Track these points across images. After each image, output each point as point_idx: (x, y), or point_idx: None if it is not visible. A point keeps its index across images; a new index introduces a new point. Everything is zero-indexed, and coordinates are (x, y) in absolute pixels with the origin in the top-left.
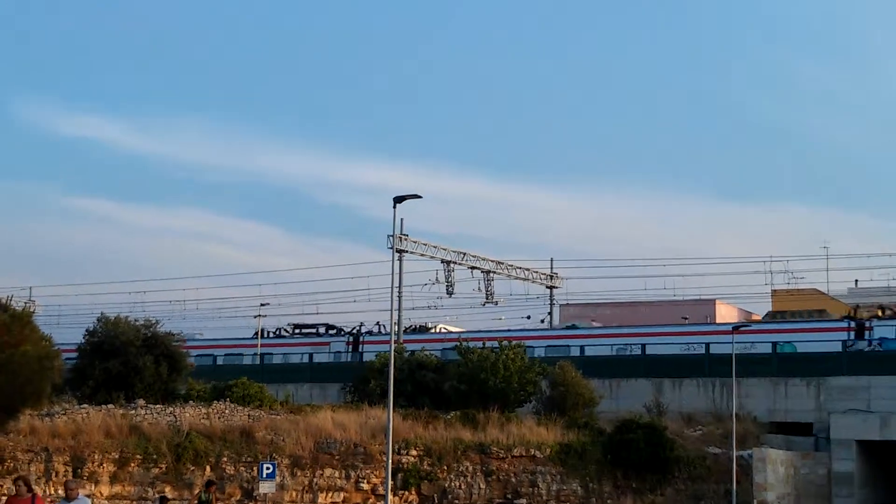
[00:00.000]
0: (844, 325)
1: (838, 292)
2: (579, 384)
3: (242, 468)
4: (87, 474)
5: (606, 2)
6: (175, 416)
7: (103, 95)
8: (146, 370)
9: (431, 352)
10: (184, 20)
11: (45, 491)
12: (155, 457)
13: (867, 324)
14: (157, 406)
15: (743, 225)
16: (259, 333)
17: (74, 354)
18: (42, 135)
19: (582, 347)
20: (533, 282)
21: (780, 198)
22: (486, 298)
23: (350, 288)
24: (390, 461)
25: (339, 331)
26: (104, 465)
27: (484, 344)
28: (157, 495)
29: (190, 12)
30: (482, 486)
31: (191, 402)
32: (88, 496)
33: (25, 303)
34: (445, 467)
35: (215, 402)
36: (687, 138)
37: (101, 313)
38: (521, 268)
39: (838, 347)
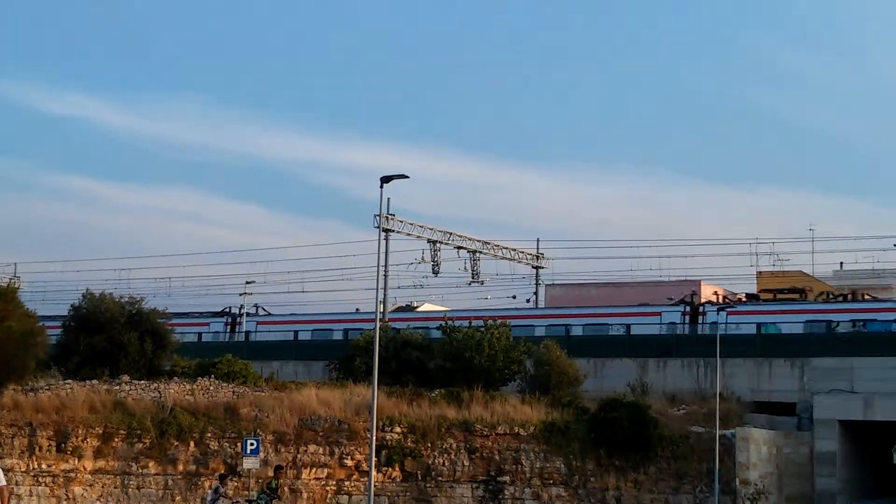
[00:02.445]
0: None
1: (824, 274)
2: (564, 363)
3: (226, 444)
4: (70, 449)
5: None
6: (159, 391)
7: (91, 74)
8: (131, 346)
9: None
10: (176, 0)
11: (28, 465)
12: (139, 432)
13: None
14: (142, 382)
15: (729, 207)
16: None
17: (59, 328)
18: (29, 112)
19: (567, 327)
20: (519, 262)
21: (765, 180)
22: (472, 278)
23: (336, 266)
24: (374, 438)
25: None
26: (88, 439)
27: (470, 323)
28: (216, 479)
29: None
30: (466, 463)
31: (175, 378)
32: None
33: (10, 279)
34: (429, 444)
35: (200, 378)
36: (673, 122)
37: (87, 289)
38: (507, 248)
39: (823, 329)
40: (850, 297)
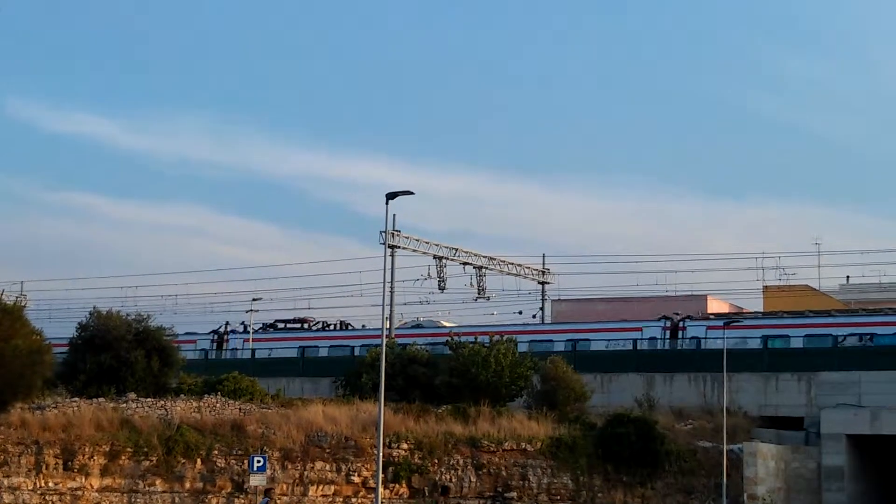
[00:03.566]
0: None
1: (830, 288)
2: (570, 379)
3: (233, 461)
4: (77, 467)
5: (601, 1)
6: (166, 409)
7: (96, 92)
8: (137, 364)
9: (423, 346)
10: (180, 16)
11: (35, 484)
12: (146, 450)
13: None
14: (149, 399)
15: (734, 221)
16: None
17: (65, 349)
18: (35, 130)
19: (574, 342)
20: (525, 277)
21: (771, 194)
22: (479, 294)
23: (342, 283)
24: (381, 454)
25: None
26: (95, 457)
27: (476, 339)
28: (262, 492)
29: (186, 8)
30: (473, 479)
31: (182, 395)
32: (79, 488)
33: (16, 297)
34: (436, 461)
35: (206, 395)
36: (678, 135)
37: (94, 307)
38: (513, 263)
39: (829, 343)
40: (349, 327)
